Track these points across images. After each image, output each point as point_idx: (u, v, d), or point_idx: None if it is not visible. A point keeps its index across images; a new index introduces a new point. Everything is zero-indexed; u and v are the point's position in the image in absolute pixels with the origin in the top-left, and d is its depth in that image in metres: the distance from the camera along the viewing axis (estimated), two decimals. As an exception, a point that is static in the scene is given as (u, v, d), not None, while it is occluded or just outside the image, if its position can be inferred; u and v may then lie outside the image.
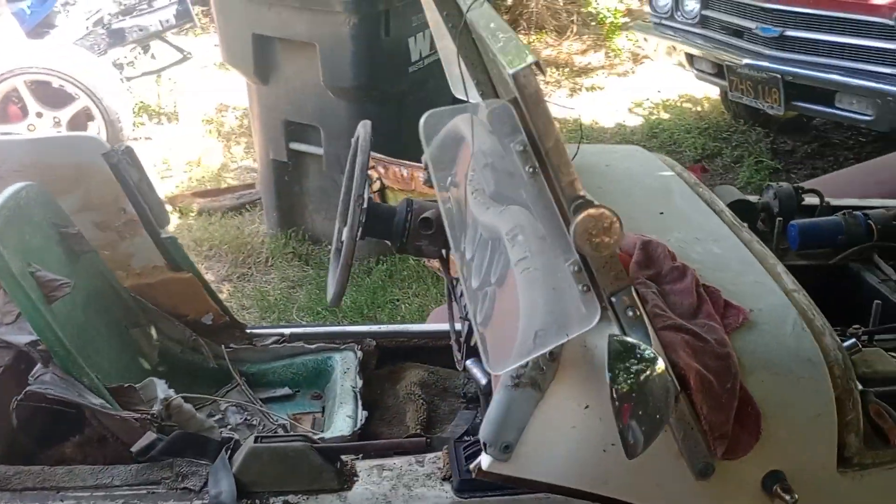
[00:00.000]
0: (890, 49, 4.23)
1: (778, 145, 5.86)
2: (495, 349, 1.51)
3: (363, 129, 2.09)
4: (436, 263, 2.89)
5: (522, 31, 8.33)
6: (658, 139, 6.11)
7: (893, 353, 1.65)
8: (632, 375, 1.08)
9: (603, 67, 7.74)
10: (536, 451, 1.23)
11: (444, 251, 2.19)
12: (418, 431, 2.26)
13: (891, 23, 4.18)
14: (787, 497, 1.25)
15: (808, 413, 1.30)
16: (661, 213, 1.77)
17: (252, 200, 4.91)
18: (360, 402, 2.26)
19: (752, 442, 1.26)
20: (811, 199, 2.31)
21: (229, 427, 2.24)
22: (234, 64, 4.33)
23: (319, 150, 4.15)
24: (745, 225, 1.77)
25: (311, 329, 2.62)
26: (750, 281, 1.50)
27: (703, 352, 1.26)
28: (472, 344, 2.06)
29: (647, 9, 5.97)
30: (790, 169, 5.52)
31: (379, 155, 3.45)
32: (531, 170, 1.09)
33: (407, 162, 3.48)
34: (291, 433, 2.07)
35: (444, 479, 1.76)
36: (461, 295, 1.98)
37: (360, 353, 2.44)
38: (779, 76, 4.64)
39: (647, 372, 1.08)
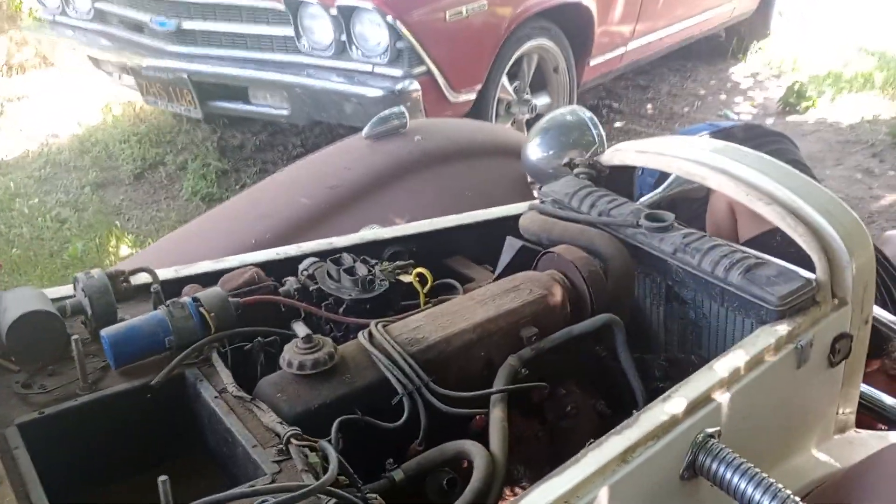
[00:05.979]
0: (288, 36, 3.86)
1: (227, 141, 5.35)
2: None
3: None
4: None
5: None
6: (90, 155, 5.25)
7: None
8: None
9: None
10: None
11: None
12: None
13: (281, 8, 3.79)
14: None
15: None
16: None
17: None
18: None
19: None
20: (144, 278, 1.74)
21: None
22: None
23: None
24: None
25: None
26: None
27: None
28: None
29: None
30: (239, 168, 5.06)
31: None
32: None
33: None
34: None
35: None
36: None
37: None
38: (185, 75, 4.04)
39: None
